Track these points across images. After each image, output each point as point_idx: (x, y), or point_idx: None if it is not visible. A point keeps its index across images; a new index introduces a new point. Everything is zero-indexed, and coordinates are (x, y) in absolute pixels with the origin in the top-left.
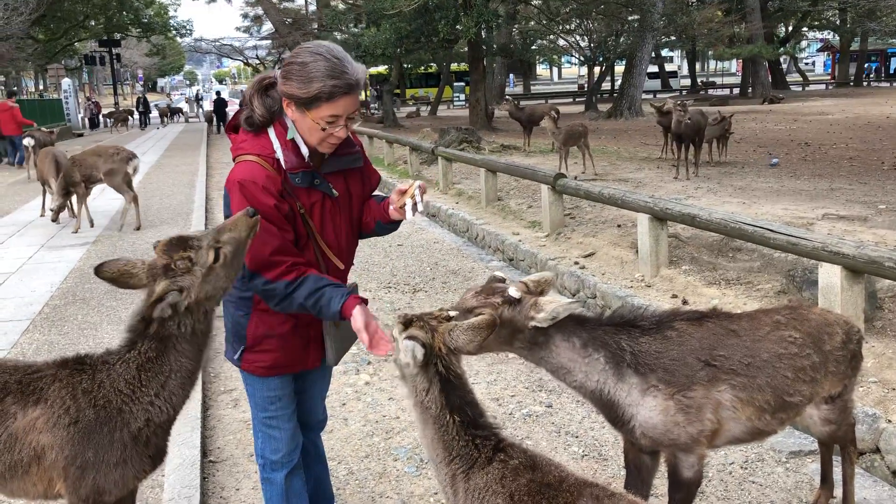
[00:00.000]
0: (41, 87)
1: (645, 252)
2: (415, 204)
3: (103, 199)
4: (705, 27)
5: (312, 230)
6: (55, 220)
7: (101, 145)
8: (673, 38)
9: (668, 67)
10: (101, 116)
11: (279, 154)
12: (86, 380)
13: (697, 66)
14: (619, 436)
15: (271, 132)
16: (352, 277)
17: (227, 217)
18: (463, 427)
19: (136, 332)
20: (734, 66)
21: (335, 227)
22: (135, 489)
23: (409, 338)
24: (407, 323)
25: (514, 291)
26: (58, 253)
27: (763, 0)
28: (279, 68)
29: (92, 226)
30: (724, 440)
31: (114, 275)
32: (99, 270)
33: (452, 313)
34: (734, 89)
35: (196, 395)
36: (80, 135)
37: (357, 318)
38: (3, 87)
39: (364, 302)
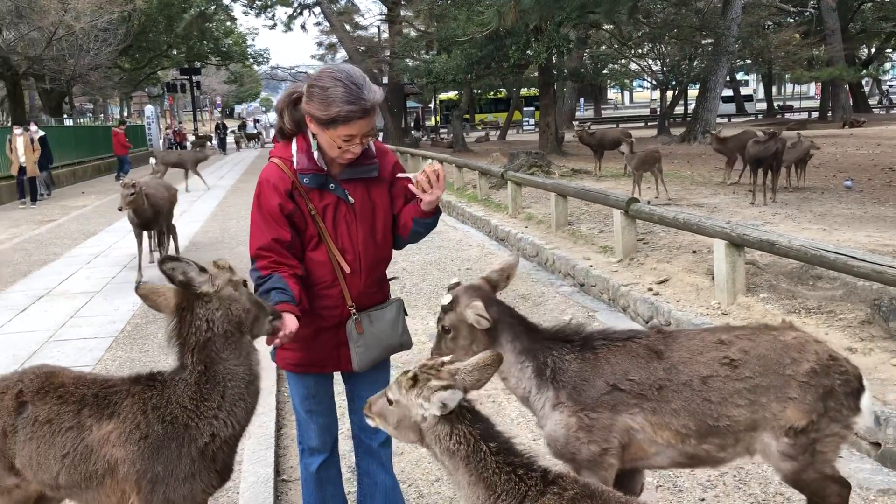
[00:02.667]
0: (125, 114)
1: (721, 279)
2: (428, 180)
3: (181, 222)
4: (782, 50)
5: (323, 232)
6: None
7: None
8: (748, 61)
9: (744, 91)
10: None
11: (294, 158)
12: (155, 396)
13: (774, 89)
14: (696, 467)
15: (294, 141)
16: (418, 297)
17: None
18: (500, 456)
19: (180, 348)
20: (812, 89)
21: (350, 232)
22: (205, 502)
23: (441, 388)
24: (414, 379)
25: (471, 317)
26: (144, 273)
27: (844, 21)
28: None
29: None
30: (658, 462)
31: (146, 294)
32: (137, 288)
33: (446, 359)
34: (812, 113)
35: (270, 413)
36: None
37: (286, 318)
38: (91, 114)
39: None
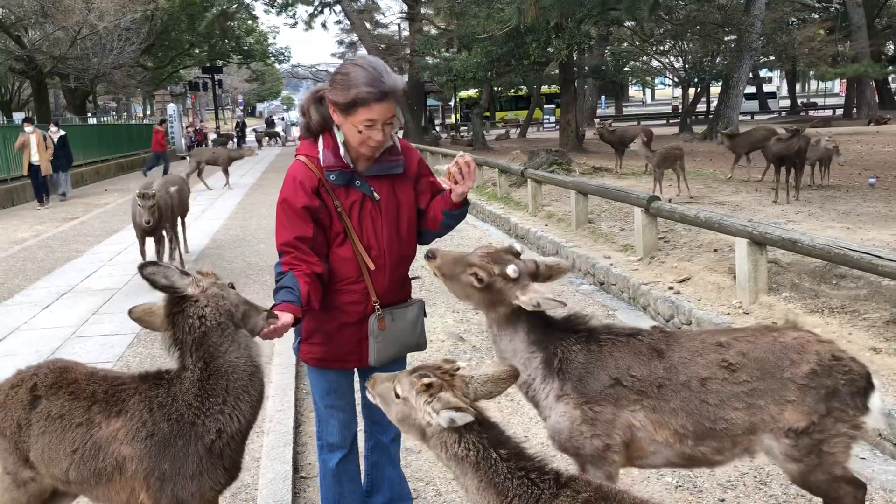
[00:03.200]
0: (148, 113)
1: (743, 278)
2: (460, 171)
3: (204, 220)
4: (807, 46)
5: (349, 228)
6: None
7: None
8: (772, 58)
9: (767, 88)
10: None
11: (321, 155)
12: (161, 394)
13: (798, 86)
14: (691, 468)
15: (321, 137)
16: (437, 295)
17: None
18: (511, 461)
19: (179, 351)
20: (837, 86)
21: (375, 228)
22: (215, 499)
23: (454, 408)
24: (429, 385)
25: (511, 271)
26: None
27: (870, 17)
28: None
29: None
30: (655, 461)
31: (139, 317)
32: (130, 312)
33: (462, 364)
34: (838, 110)
35: (289, 410)
36: (184, 157)
37: (281, 315)
38: (114, 113)
39: (298, 318)
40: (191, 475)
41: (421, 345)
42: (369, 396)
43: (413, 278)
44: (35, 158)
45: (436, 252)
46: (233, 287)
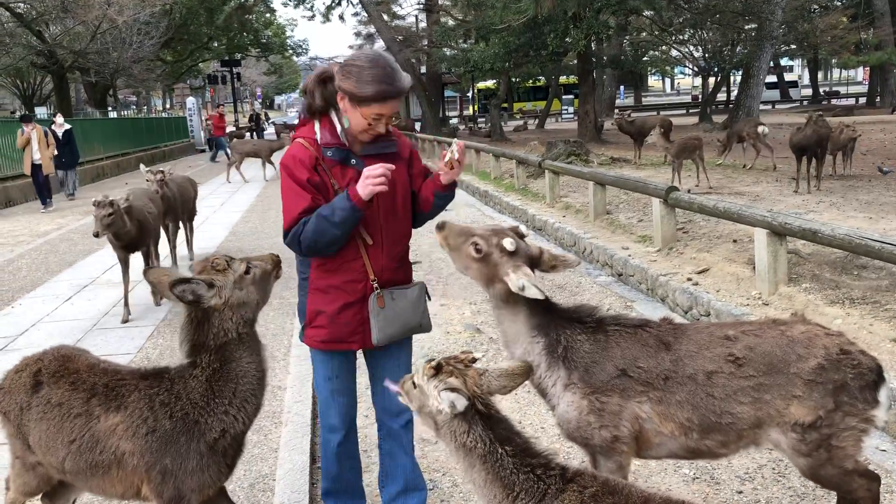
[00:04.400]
0: (167, 106)
1: (762, 269)
2: (453, 152)
3: (223, 212)
4: (829, 34)
5: None
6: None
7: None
8: (793, 46)
9: (788, 77)
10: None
11: (318, 135)
12: (163, 392)
13: (820, 74)
14: (732, 458)
15: (317, 123)
16: (453, 287)
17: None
18: (518, 457)
19: (191, 347)
20: (860, 74)
21: (371, 205)
22: (223, 489)
23: (450, 389)
24: (437, 369)
25: (508, 243)
26: (180, 262)
27: (894, 4)
28: (338, 64)
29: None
30: (659, 453)
31: (153, 281)
32: (145, 273)
33: (477, 355)
34: (860, 98)
35: (307, 402)
36: (203, 150)
37: (359, 186)
38: (134, 106)
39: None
40: (192, 470)
41: (425, 325)
42: (400, 399)
43: (414, 263)
44: (37, 157)
45: (444, 223)
46: (248, 268)
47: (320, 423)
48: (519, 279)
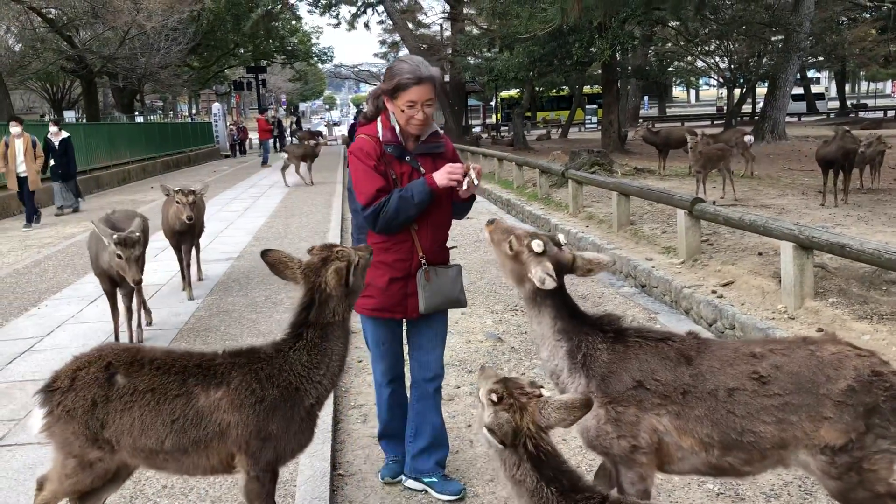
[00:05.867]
0: (193, 111)
1: (788, 282)
2: (470, 182)
3: (247, 217)
4: (857, 46)
5: None
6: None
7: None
8: (821, 58)
9: (815, 89)
10: (247, 144)
11: (380, 133)
12: (265, 367)
13: (847, 87)
14: (721, 478)
15: (378, 120)
16: (476, 295)
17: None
18: (563, 496)
19: (300, 324)
20: (889, 86)
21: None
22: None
23: (488, 430)
24: (498, 399)
25: (536, 245)
26: (205, 267)
27: None
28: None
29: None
30: (682, 468)
31: (273, 261)
32: (264, 254)
33: (545, 391)
34: (889, 111)
35: (328, 408)
36: (228, 156)
37: (437, 176)
38: (161, 111)
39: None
40: (293, 433)
41: (461, 301)
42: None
43: (451, 248)
44: (21, 169)
45: (493, 220)
46: (360, 259)
47: (373, 377)
48: (538, 271)
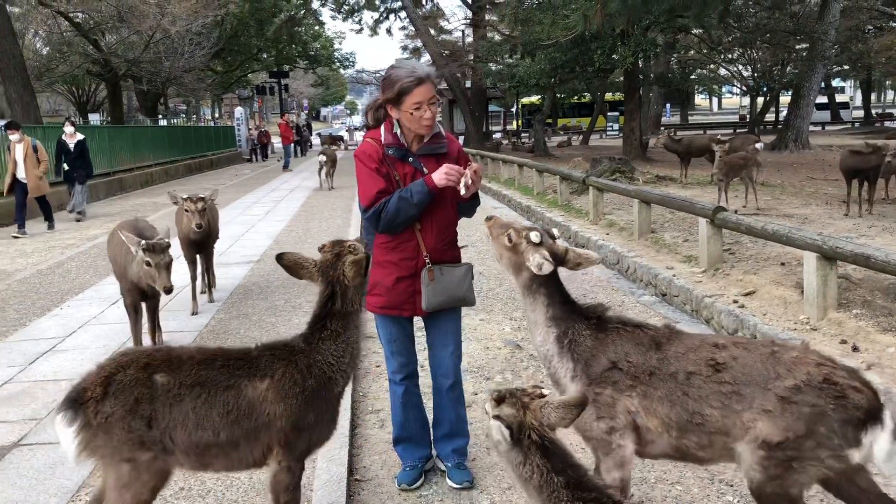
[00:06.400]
0: (216, 115)
1: (811, 293)
2: (467, 183)
3: (267, 221)
4: (883, 55)
5: None
6: None
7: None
8: (846, 67)
9: (840, 98)
10: (269, 148)
11: (382, 136)
12: (302, 358)
13: (873, 96)
14: (686, 462)
15: (382, 127)
16: (494, 302)
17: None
18: (569, 489)
19: (324, 315)
20: None
21: (439, 193)
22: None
23: (495, 417)
24: (499, 400)
25: (534, 236)
26: (225, 270)
27: None
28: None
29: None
30: (654, 451)
31: (289, 263)
32: (279, 257)
33: (545, 391)
34: None
35: (345, 413)
36: (249, 160)
37: (435, 176)
38: (184, 115)
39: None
40: (328, 420)
41: (468, 299)
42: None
43: (462, 246)
44: (21, 175)
45: (492, 217)
46: (368, 253)
47: (388, 377)
48: (536, 258)
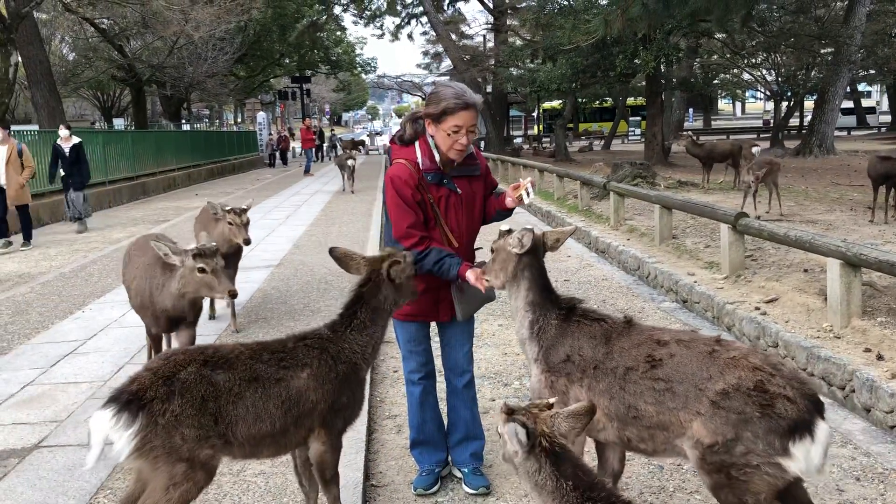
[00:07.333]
0: (239, 120)
1: (834, 300)
2: (528, 193)
3: (287, 226)
4: None
5: (439, 216)
6: None
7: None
8: (872, 71)
9: (866, 103)
10: (289, 153)
11: (419, 159)
12: (332, 346)
13: None
14: (652, 457)
15: (416, 145)
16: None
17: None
18: (578, 491)
19: (355, 305)
20: None
21: (457, 215)
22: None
23: (511, 420)
24: (510, 413)
25: (511, 234)
26: (245, 274)
27: None
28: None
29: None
30: (606, 437)
31: (340, 255)
32: (331, 250)
33: (552, 400)
34: None
35: (362, 417)
36: (270, 164)
37: (469, 276)
38: (207, 120)
39: (472, 266)
40: (358, 400)
41: (491, 296)
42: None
43: (477, 248)
44: (1, 180)
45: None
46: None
47: (405, 379)
48: (514, 237)
